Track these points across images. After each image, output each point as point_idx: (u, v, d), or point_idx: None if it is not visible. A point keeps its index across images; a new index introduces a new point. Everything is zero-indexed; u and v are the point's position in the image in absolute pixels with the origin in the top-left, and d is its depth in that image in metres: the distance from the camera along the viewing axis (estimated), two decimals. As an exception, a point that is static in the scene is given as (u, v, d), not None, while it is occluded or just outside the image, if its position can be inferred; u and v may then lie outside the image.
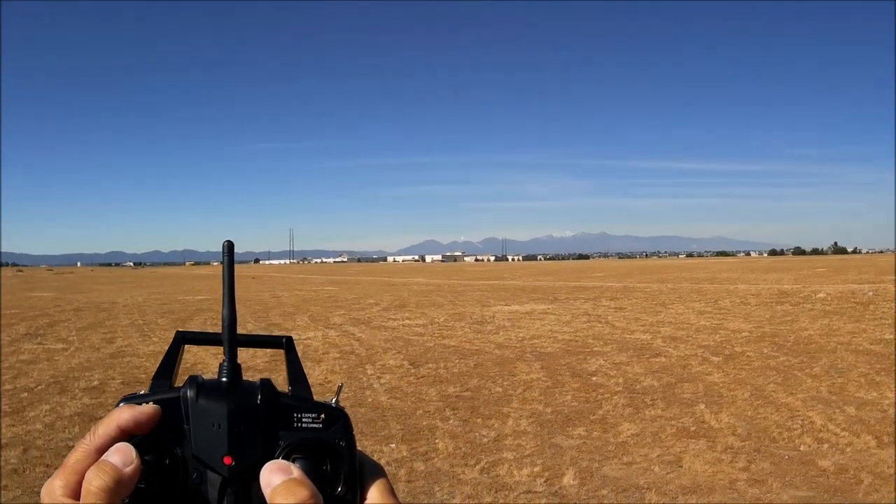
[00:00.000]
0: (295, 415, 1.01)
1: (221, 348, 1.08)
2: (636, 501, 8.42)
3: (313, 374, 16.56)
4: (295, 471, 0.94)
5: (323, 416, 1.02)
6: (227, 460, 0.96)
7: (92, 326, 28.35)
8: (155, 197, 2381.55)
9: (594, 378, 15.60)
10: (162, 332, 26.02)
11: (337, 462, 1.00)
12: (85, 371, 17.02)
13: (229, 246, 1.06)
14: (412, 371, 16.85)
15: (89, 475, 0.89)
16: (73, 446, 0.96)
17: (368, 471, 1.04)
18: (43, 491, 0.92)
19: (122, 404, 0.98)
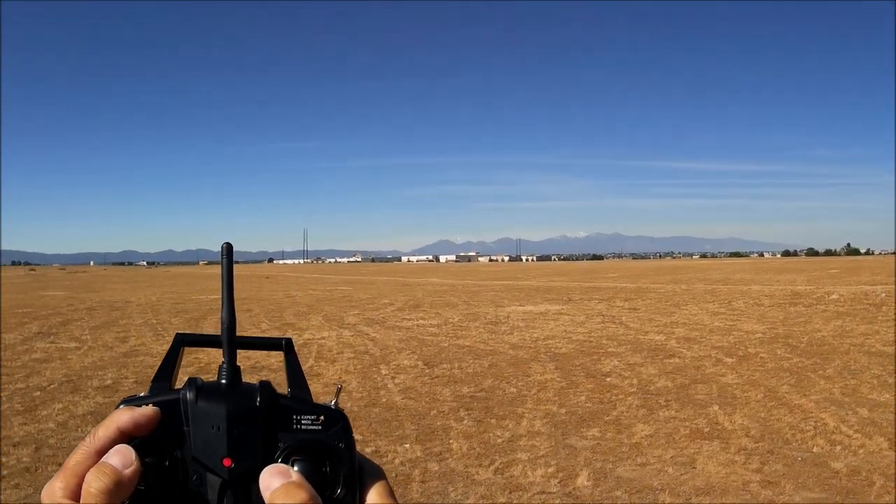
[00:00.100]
0: (294, 416, 1.02)
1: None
2: (650, 503, 8.43)
3: (327, 373, 16.71)
4: (294, 474, 0.95)
5: (322, 417, 1.03)
6: (227, 462, 0.97)
7: (105, 325, 28.39)
8: (168, 196, 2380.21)
9: (608, 379, 15.60)
10: (175, 330, 25.98)
11: (336, 464, 1.00)
12: (98, 370, 17.07)
13: (228, 248, 1.06)
14: (426, 371, 16.86)
15: (89, 477, 0.90)
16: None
17: (368, 472, 1.05)
18: (43, 493, 0.92)
19: (121, 406, 0.99)
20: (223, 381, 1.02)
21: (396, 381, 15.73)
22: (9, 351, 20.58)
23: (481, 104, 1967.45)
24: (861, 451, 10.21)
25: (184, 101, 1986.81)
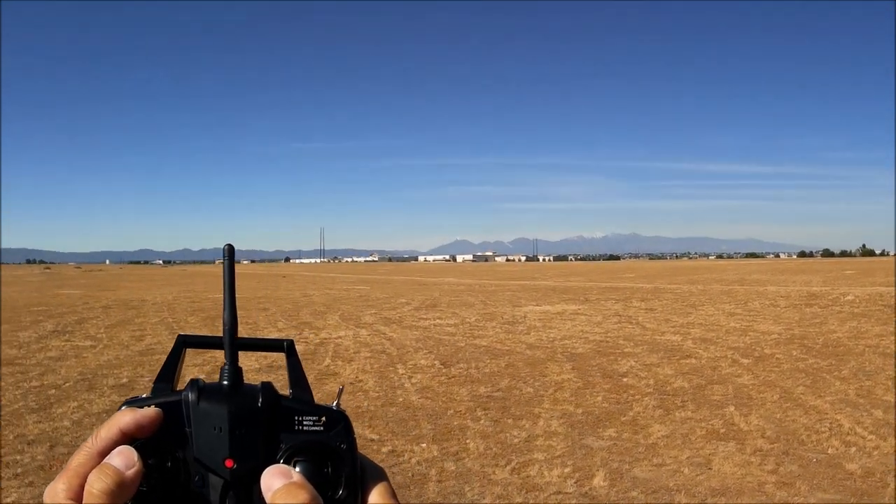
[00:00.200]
0: (296, 418, 1.02)
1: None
2: (666, 503, 8.43)
3: (344, 372, 16.70)
4: (295, 474, 0.95)
5: (324, 418, 1.02)
6: (229, 463, 0.97)
7: (121, 324, 28.37)
8: (185, 195, 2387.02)
9: (625, 379, 15.59)
10: (192, 329, 26.07)
11: (338, 464, 1.00)
12: (114, 368, 17.11)
13: (230, 250, 1.06)
14: (443, 371, 16.85)
15: (91, 478, 0.90)
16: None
17: (370, 473, 1.04)
18: (46, 493, 0.92)
19: (123, 408, 0.99)
20: (225, 383, 1.02)
21: (413, 380, 15.74)
22: (23, 349, 20.61)
23: (500, 106, 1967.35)
24: (875, 452, 10.17)
25: (202, 101, 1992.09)
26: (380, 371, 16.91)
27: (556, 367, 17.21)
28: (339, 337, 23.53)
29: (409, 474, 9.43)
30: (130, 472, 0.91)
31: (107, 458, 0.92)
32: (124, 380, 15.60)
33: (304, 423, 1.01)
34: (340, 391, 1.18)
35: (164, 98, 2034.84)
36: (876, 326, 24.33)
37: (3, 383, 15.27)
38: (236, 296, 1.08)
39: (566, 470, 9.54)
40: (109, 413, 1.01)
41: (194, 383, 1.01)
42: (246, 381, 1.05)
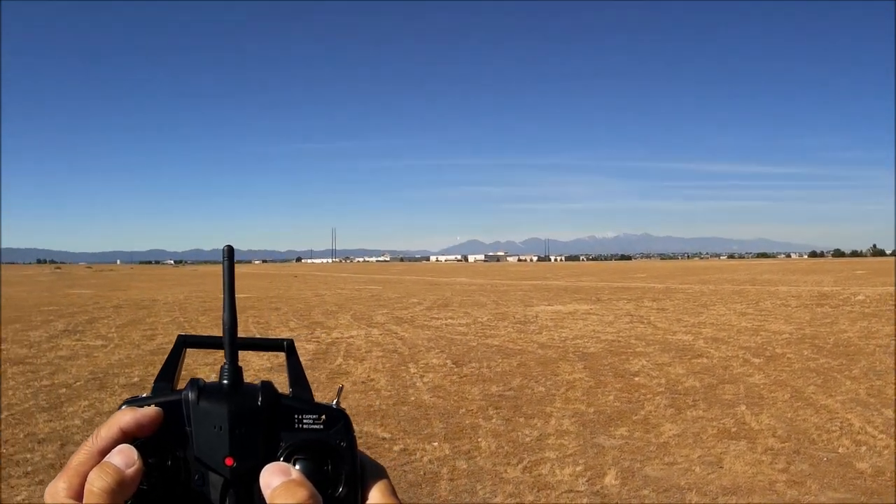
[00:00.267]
0: (296, 416, 1.02)
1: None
2: (677, 502, 8.42)
3: (356, 371, 16.68)
4: (294, 472, 0.95)
5: (324, 417, 1.03)
6: (229, 461, 0.97)
7: (132, 323, 28.40)
8: (196, 195, 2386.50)
9: (636, 378, 15.58)
10: (203, 329, 26.27)
11: (338, 463, 1.00)
12: (125, 367, 17.20)
13: (229, 250, 1.07)
14: (455, 370, 16.85)
15: (91, 476, 0.90)
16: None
17: (370, 471, 1.04)
18: (46, 492, 0.92)
19: (124, 407, 0.99)
20: (225, 382, 1.02)
21: (425, 379, 15.75)
22: (34, 348, 20.64)
23: (513, 106, 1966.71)
24: (886, 451, 10.15)
25: (213, 101, 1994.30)
26: (392, 370, 16.90)
27: (567, 366, 17.20)
28: (351, 336, 23.53)
29: (421, 473, 9.45)
30: (131, 471, 0.91)
31: (107, 456, 0.93)
32: (135, 379, 15.68)
33: (304, 421, 1.02)
34: (340, 390, 1.20)
35: (176, 99, 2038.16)
36: (887, 326, 24.25)
37: (13, 382, 15.31)
38: (236, 296, 1.09)
39: (578, 468, 9.55)
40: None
41: (194, 382, 1.01)
42: (248, 381, 1.05)
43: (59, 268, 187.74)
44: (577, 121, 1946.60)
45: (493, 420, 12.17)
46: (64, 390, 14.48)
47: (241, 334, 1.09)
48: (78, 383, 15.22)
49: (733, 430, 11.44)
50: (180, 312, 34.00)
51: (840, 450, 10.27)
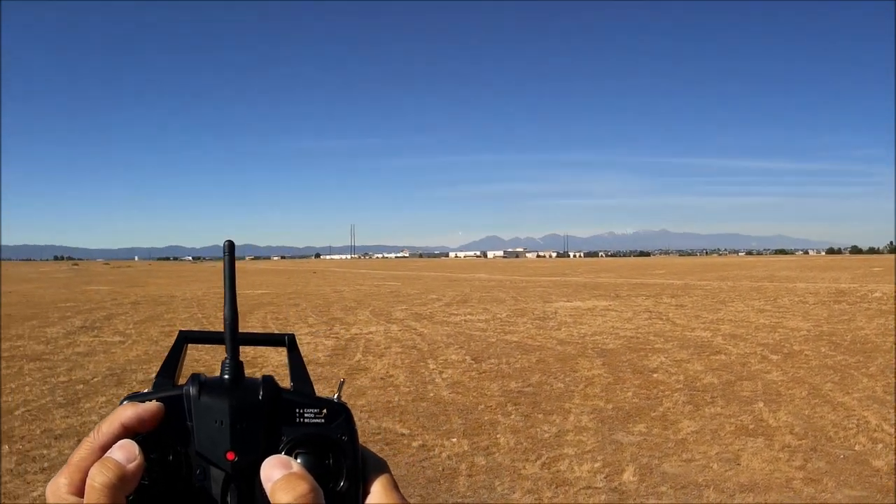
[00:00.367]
0: (297, 410, 1.01)
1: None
2: (695, 499, 8.42)
3: (375, 367, 16.69)
4: (295, 465, 0.94)
5: (325, 411, 1.02)
6: (230, 456, 0.96)
7: (150, 319, 28.39)
8: (215, 191, 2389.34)
9: (655, 375, 15.56)
10: (221, 325, 26.08)
11: (339, 457, 0.99)
12: (143, 363, 17.20)
13: (230, 245, 1.07)
14: (474, 366, 16.84)
15: (93, 472, 0.89)
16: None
17: (371, 466, 1.03)
18: (48, 489, 0.92)
19: (125, 402, 0.99)
20: (226, 377, 1.02)
21: (444, 375, 15.76)
22: (51, 345, 20.64)
23: (530, 102, 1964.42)
24: (903, 449, 10.14)
25: (232, 97, 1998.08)
26: (411, 366, 16.90)
27: (586, 362, 17.19)
28: (370, 332, 23.52)
29: (440, 468, 9.46)
30: (132, 466, 0.91)
31: (108, 452, 0.92)
32: (153, 375, 15.46)
33: (306, 415, 1.01)
34: (341, 384, 1.18)
35: (195, 96, 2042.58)
36: (904, 323, 24.11)
37: (29, 379, 15.30)
38: (236, 293, 1.08)
39: (596, 465, 9.54)
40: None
41: (195, 378, 1.01)
42: (250, 375, 1.05)
43: (76, 264, 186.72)
44: (597, 117, 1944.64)
45: (512, 416, 12.17)
46: (81, 386, 14.50)
47: (259, 331, 1.09)
48: (95, 379, 15.25)
49: (751, 426, 11.41)
50: (198, 308, 34.07)
51: (857, 447, 10.24)
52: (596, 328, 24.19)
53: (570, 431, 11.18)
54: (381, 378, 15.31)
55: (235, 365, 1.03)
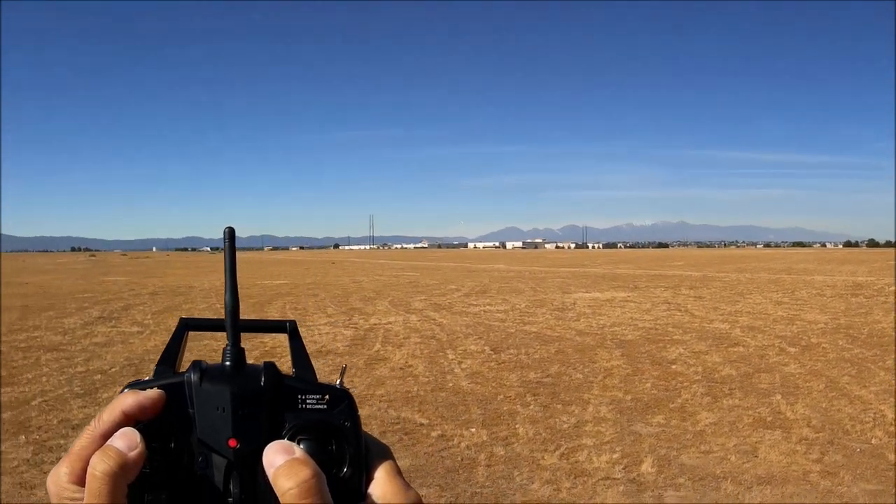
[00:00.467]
0: (299, 396, 0.99)
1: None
2: (713, 491, 8.41)
3: (394, 357, 16.72)
4: (297, 451, 0.92)
5: (327, 397, 0.99)
6: (232, 443, 0.94)
7: (168, 310, 28.42)
8: (233, 182, 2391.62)
9: (673, 366, 15.54)
10: (240, 315, 26.19)
11: (342, 442, 0.97)
12: (160, 353, 17.02)
13: (230, 232, 1.03)
14: (493, 356, 16.86)
15: (93, 460, 0.87)
16: None
17: (375, 452, 1.00)
18: (49, 479, 0.91)
19: (126, 390, 0.97)
20: (227, 363, 1.00)
21: (463, 365, 15.77)
22: (68, 335, 20.68)
23: (549, 93, 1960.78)
24: (919, 443, 10.10)
25: (249, 89, 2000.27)
26: (430, 356, 16.93)
27: (605, 353, 17.19)
28: (389, 322, 23.58)
29: (459, 459, 9.47)
30: (133, 454, 0.88)
31: (109, 440, 0.90)
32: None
33: (308, 401, 0.99)
34: (343, 370, 1.15)
35: (210, 86, 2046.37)
36: (921, 316, 24.01)
37: (46, 369, 15.33)
38: (237, 280, 1.05)
39: (615, 456, 9.54)
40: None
41: (196, 365, 1.00)
42: (251, 362, 1.03)
43: (93, 255, 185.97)
44: (617, 109, 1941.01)
45: (531, 407, 12.18)
46: (99, 377, 14.53)
47: (259, 317, 1.07)
48: (113, 369, 15.28)
49: (769, 419, 11.39)
50: (217, 299, 33.81)
51: (873, 441, 10.20)
52: (615, 319, 24.19)
53: (589, 422, 11.18)
54: (401, 368, 15.34)
55: (237, 352, 1.01)
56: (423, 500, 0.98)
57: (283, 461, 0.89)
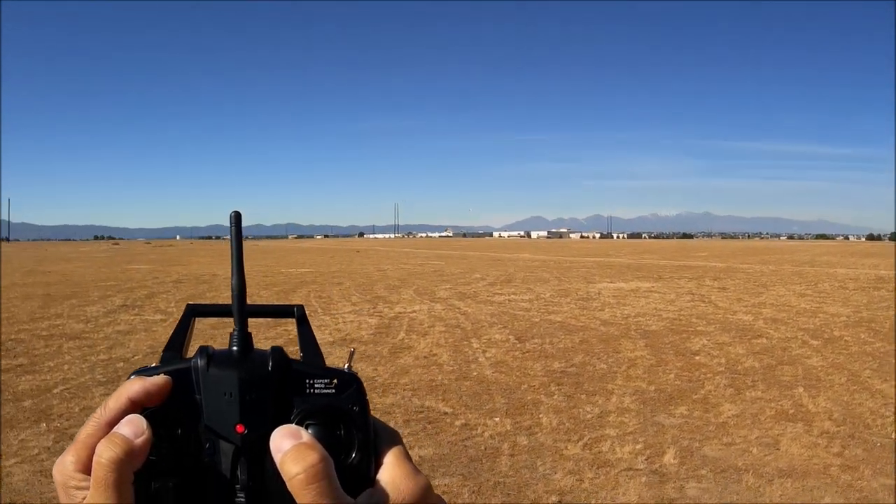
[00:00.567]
0: (307, 381, 0.97)
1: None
2: (734, 483, 8.40)
3: (419, 346, 16.73)
4: (304, 435, 0.90)
5: (335, 381, 0.98)
6: (240, 429, 0.93)
7: (192, 298, 27.90)
8: (258, 170, 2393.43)
9: (697, 357, 15.52)
10: (264, 303, 26.11)
11: (350, 427, 0.96)
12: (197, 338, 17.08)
13: (236, 216, 1.03)
14: (517, 346, 16.86)
15: (99, 448, 0.85)
16: None
17: (384, 437, 0.99)
18: (55, 467, 0.89)
19: (132, 377, 0.95)
20: (234, 349, 0.99)
21: (487, 354, 15.78)
22: (91, 323, 20.58)
23: (574, 82, 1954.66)
24: (941, 438, 10.05)
25: (275, 76, 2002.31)
26: (454, 345, 16.93)
27: (629, 343, 17.17)
28: (414, 311, 23.57)
29: (482, 448, 9.49)
30: (139, 441, 0.87)
31: (116, 427, 0.89)
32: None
33: (316, 386, 0.98)
34: (352, 354, 1.15)
35: (236, 71, 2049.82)
36: (944, 311, 23.86)
37: (69, 357, 15.31)
38: (244, 265, 1.05)
39: (637, 447, 9.55)
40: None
41: (203, 350, 0.99)
42: (259, 347, 1.02)
43: (116, 244, 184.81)
44: (642, 97, 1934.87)
45: (555, 396, 12.19)
46: (121, 364, 14.48)
47: (267, 302, 1.06)
48: (136, 357, 15.25)
49: (791, 412, 11.36)
50: (242, 287, 33.57)
51: (894, 435, 10.14)
52: (639, 309, 24.14)
53: (613, 412, 11.19)
54: (425, 357, 15.37)
55: (244, 336, 1.00)
56: (443, 488, 0.98)
57: (290, 446, 0.89)
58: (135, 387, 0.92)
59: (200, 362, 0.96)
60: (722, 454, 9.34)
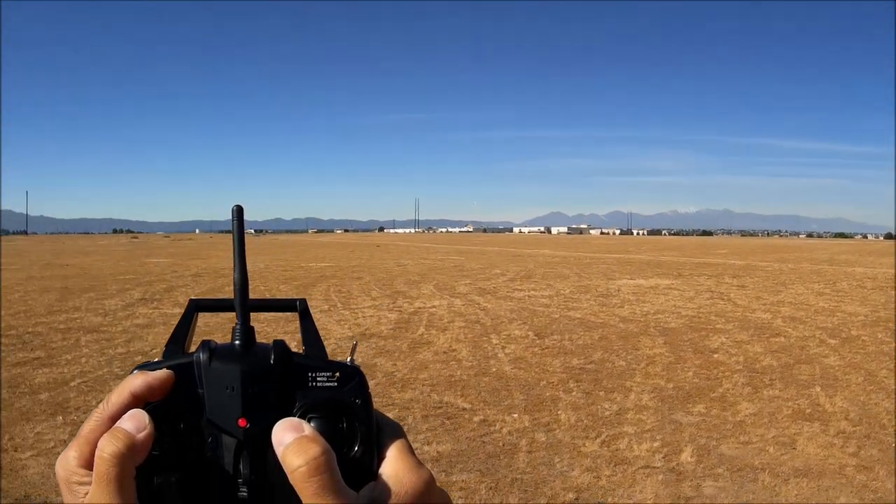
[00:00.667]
0: (309, 374, 0.97)
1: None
2: (750, 482, 8.37)
3: (438, 341, 16.74)
4: (307, 428, 0.89)
5: (338, 374, 0.97)
6: (242, 422, 0.93)
7: (211, 292, 28.03)
8: (278, 164, 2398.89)
9: (715, 355, 15.46)
10: (283, 297, 26.09)
11: (353, 420, 0.95)
12: (203, 335, 16.83)
13: (238, 210, 1.04)
14: (537, 342, 16.84)
15: (102, 442, 0.85)
16: None
17: (386, 430, 0.98)
18: (57, 463, 0.89)
19: (135, 371, 0.94)
20: (237, 343, 0.98)
21: (507, 350, 15.78)
22: (109, 317, 20.60)
23: (595, 79, 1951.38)
24: (957, 439, 10.00)
25: (296, 71, 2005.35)
26: (473, 341, 16.90)
27: (648, 340, 17.15)
28: (434, 306, 23.56)
29: (500, 444, 9.49)
30: (142, 436, 0.87)
31: (118, 422, 0.88)
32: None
33: (318, 379, 0.97)
34: (354, 346, 1.12)
35: (256, 66, 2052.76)
36: (963, 311, 23.71)
37: (86, 350, 15.34)
38: (246, 259, 1.05)
39: (655, 444, 9.53)
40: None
41: (205, 344, 0.98)
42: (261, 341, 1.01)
43: (135, 237, 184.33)
44: (664, 95, 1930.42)
45: (574, 393, 12.18)
46: (139, 358, 14.26)
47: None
48: (154, 351, 15.13)
49: (808, 411, 11.31)
50: (261, 281, 33.86)
51: (910, 436, 10.13)
52: (658, 307, 24.09)
53: (631, 410, 11.18)
54: (444, 352, 15.37)
55: (246, 330, 1.00)
56: (460, 484, 0.97)
57: (291, 439, 0.88)
58: (137, 381, 0.92)
59: (202, 356, 0.96)
60: (739, 453, 9.31)
